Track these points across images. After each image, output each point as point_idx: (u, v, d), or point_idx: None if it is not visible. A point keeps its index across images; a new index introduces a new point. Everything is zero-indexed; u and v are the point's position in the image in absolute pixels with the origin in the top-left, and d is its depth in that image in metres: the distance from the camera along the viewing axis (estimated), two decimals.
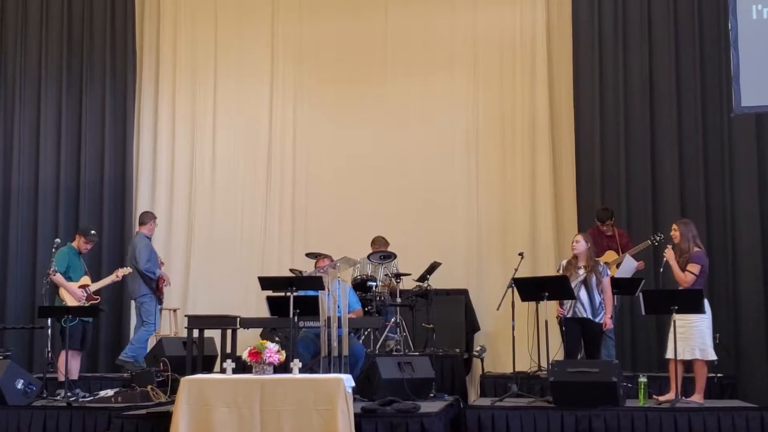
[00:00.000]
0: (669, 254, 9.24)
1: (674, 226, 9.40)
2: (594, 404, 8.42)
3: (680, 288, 9.14)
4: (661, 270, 9.42)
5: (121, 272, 11.16)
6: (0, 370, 9.11)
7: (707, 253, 11.35)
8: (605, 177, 12.27)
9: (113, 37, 13.62)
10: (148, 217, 11.88)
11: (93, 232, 11.27)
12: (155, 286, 11.42)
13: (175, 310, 12.67)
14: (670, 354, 9.02)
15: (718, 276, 11.66)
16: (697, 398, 8.91)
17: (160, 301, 11.54)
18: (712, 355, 9.05)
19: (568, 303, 9.49)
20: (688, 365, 9.07)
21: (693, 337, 8.87)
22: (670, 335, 8.99)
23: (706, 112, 12.01)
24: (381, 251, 11.86)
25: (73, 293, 10.68)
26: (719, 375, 10.12)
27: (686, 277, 9.10)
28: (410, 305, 11.50)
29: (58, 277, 10.66)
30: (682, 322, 8.87)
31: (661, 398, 8.96)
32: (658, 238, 10.96)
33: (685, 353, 8.89)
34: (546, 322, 9.22)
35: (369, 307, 11.14)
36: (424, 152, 13.07)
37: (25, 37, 13.69)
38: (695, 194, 11.93)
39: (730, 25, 11.30)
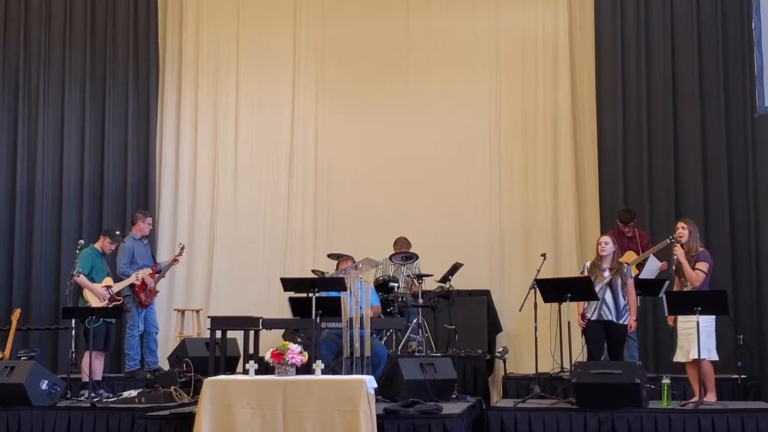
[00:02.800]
0: (680, 252, 9.20)
1: (682, 225, 9.34)
2: (617, 406, 8.40)
3: (688, 286, 9.10)
4: (673, 268, 9.37)
5: (141, 273, 11.20)
6: (24, 371, 9.17)
7: (731, 254, 11.42)
8: (628, 178, 12.23)
9: (136, 39, 13.68)
10: (137, 217, 11.81)
11: (118, 232, 11.33)
12: (134, 290, 11.37)
13: (197, 311, 12.73)
14: (678, 357, 9.02)
15: (741, 277, 11.62)
16: (711, 397, 8.88)
17: (140, 304, 11.43)
18: (715, 356, 8.99)
19: (592, 305, 9.47)
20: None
21: (702, 338, 8.80)
22: (681, 338, 8.98)
23: (730, 113, 11.97)
24: (403, 252, 11.85)
25: (98, 294, 10.73)
26: (743, 376, 10.08)
27: (697, 275, 9.07)
28: (432, 306, 11.49)
29: (82, 278, 10.70)
30: (688, 324, 8.83)
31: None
32: (676, 237, 10.91)
33: (694, 354, 8.82)
34: (569, 323, 9.21)
35: (391, 308, 11.14)
36: (447, 153, 13.05)
37: (48, 38, 13.76)
38: (718, 195, 11.88)
39: (753, 24, 11.24)
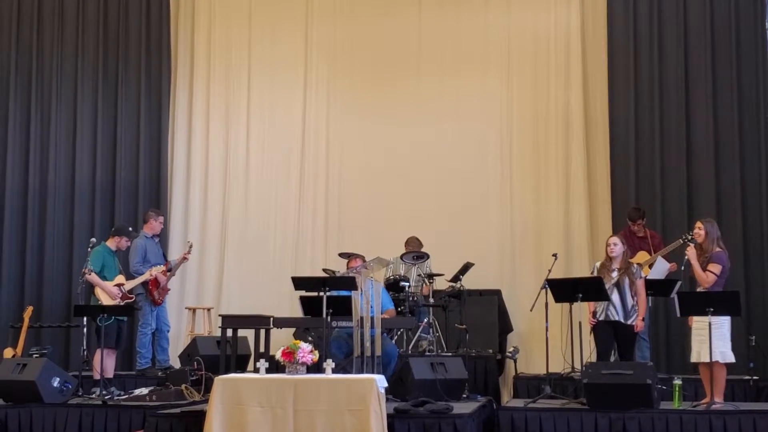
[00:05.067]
0: (691, 252, 9.14)
1: (699, 225, 9.27)
2: (628, 406, 8.38)
3: (700, 288, 9.08)
4: (682, 268, 9.34)
5: (155, 271, 11.22)
6: (36, 369, 9.21)
7: (744, 255, 11.36)
8: (640, 178, 12.20)
9: (148, 38, 13.69)
10: (149, 216, 11.83)
11: (131, 229, 11.39)
12: (147, 288, 11.39)
13: (209, 310, 12.75)
14: (693, 358, 9.00)
15: (754, 278, 11.59)
16: (717, 400, 8.83)
17: (153, 302, 11.46)
18: (731, 358, 8.97)
19: (600, 306, 9.45)
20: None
21: (713, 339, 8.78)
22: (694, 339, 8.96)
23: (743, 114, 11.93)
24: (414, 251, 11.85)
25: (109, 292, 10.75)
26: (755, 378, 10.05)
27: (707, 277, 9.03)
28: (443, 306, 11.48)
29: (93, 276, 10.72)
30: (702, 324, 8.80)
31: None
32: (689, 237, 10.88)
33: (706, 356, 8.81)
34: (579, 323, 9.22)
35: (402, 308, 11.14)
36: (458, 152, 13.04)
37: (61, 37, 13.78)
38: (731, 196, 11.85)
39: (767, 26, 11.22)
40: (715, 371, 8.87)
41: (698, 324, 8.89)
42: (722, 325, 8.86)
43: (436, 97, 13.21)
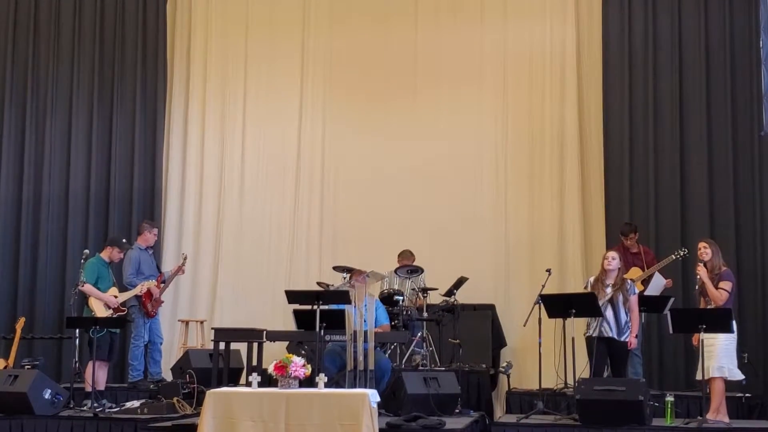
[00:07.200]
0: (703, 272, 9.13)
1: (704, 244, 9.29)
2: (620, 423, 8.38)
3: (712, 306, 9.07)
4: (697, 287, 9.32)
5: (147, 284, 11.20)
6: (28, 380, 9.19)
7: (737, 271, 11.38)
8: (634, 194, 12.22)
9: (144, 49, 13.71)
10: (143, 227, 11.84)
11: (124, 241, 11.37)
12: (140, 300, 11.39)
13: (202, 322, 12.72)
14: (699, 376, 8.99)
15: (747, 295, 11.60)
16: (710, 416, 8.81)
17: (147, 314, 11.45)
18: (735, 375, 8.95)
19: (594, 322, 9.44)
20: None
21: (714, 356, 8.78)
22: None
23: (737, 130, 11.97)
24: (408, 265, 11.84)
25: (107, 301, 10.72)
26: (747, 395, 10.04)
27: (721, 294, 9.03)
28: (437, 320, 11.47)
29: (89, 287, 10.70)
30: (707, 341, 8.78)
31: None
32: (681, 253, 10.90)
33: (712, 372, 8.81)
34: (573, 339, 9.19)
35: (395, 322, 11.12)
36: (453, 167, 13.03)
37: (57, 49, 13.79)
38: (725, 212, 11.88)
39: (761, 42, 11.26)
40: (714, 387, 8.85)
41: (706, 341, 8.84)
42: (730, 342, 8.85)
43: (432, 111, 13.21)
